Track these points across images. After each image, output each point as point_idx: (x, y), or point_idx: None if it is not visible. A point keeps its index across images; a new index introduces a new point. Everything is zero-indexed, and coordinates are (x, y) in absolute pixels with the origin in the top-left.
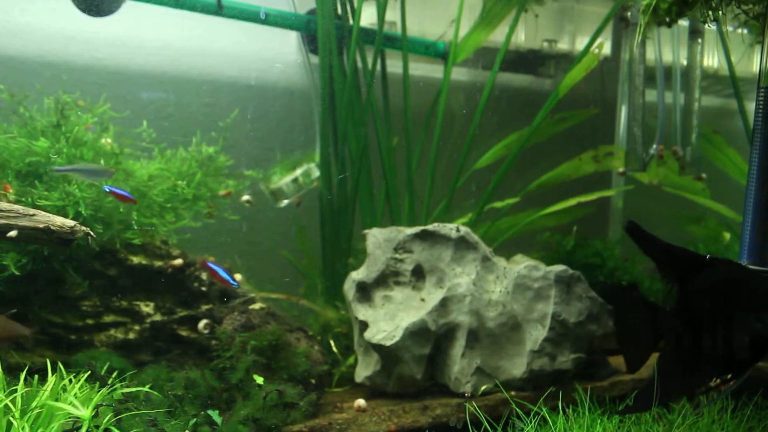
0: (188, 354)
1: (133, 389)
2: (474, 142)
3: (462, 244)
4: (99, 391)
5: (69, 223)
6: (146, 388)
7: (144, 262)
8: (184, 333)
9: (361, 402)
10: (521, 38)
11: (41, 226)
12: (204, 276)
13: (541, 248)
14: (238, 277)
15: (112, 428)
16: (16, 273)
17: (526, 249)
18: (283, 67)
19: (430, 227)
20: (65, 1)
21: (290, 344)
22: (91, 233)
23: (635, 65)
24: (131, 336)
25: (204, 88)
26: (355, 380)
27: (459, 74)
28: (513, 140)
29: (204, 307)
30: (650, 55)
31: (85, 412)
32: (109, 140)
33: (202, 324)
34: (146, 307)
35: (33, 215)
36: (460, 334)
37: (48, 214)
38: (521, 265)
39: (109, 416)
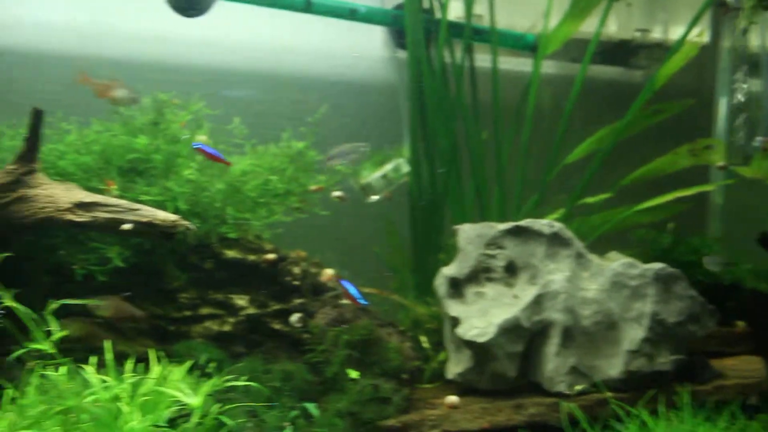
0: (281, 347)
1: (240, 382)
2: (564, 136)
3: (555, 241)
4: (197, 380)
5: (171, 217)
6: (244, 381)
7: (238, 256)
8: (277, 326)
9: (453, 398)
10: (612, 28)
11: (145, 220)
12: (296, 270)
13: (635, 245)
14: (329, 271)
15: (221, 417)
16: (120, 265)
17: (619, 246)
18: (357, 55)
19: (522, 223)
20: (160, 3)
21: (382, 339)
22: (191, 227)
23: (737, 53)
24: (226, 328)
25: (293, 85)
26: (445, 376)
27: (546, 67)
28: (605, 134)
29: (296, 301)
30: (753, 41)
31: (195, 400)
32: (204, 137)
33: (294, 318)
34: (241, 301)
35: (137, 210)
36: (554, 331)
37: (152, 209)
38: (617, 262)
39: (216, 406)
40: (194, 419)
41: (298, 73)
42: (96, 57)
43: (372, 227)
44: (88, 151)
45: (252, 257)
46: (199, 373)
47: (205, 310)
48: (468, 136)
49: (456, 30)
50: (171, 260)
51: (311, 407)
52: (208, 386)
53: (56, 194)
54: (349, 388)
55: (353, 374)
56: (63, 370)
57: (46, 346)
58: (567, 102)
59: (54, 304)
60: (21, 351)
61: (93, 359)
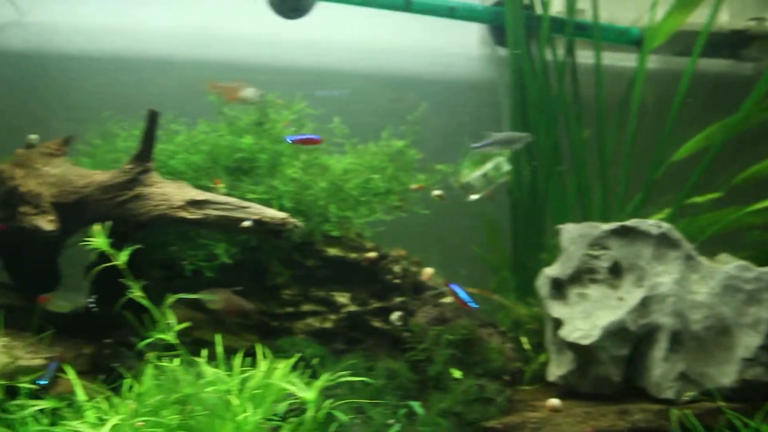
0: (381, 345)
1: (352, 378)
2: (671, 132)
3: (663, 242)
4: (300, 375)
5: (280, 215)
6: (353, 378)
7: (340, 254)
8: (377, 324)
9: (555, 401)
10: (723, 18)
11: (255, 217)
12: (397, 269)
13: (748, 247)
14: (429, 270)
15: (335, 412)
16: (228, 261)
17: (729, 248)
18: (458, 52)
19: (628, 223)
20: (260, 7)
21: (483, 339)
22: (299, 225)
23: None
24: (327, 325)
25: (390, 84)
26: (546, 378)
27: (649, 61)
28: (715, 130)
29: (397, 300)
30: None
31: (309, 395)
32: None
33: (395, 316)
34: (342, 298)
35: (247, 207)
36: (661, 336)
37: (261, 207)
38: (730, 265)
39: (328, 401)
40: (309, 413)
41: (394, 72)
42: (201, 61)
43: (471, 226)
44: (196, 151)
45: (353, 255)
46: (302, 368)
47: (307, 307)
48: (570, 134)
49: (557, 25)
50: (275, 257)
51: (416, 406)
52: (322, 381)
53: (170, 192)
54: (453, 387)
55: (456, 374)
56: (176, 361)
57: (169, 338)
58: (675, 97)
59: (171, 298)
60: (147, 341)
61: (204, 352)
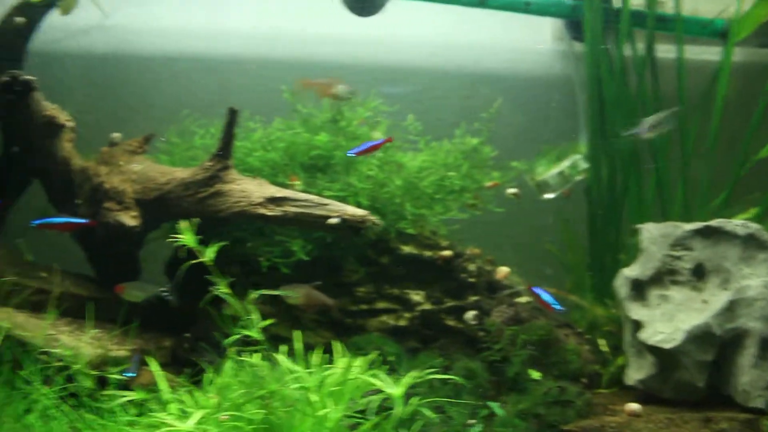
0: (455, 344)
1: (435, 377)
2: (758, 128)
3: (751, 243)
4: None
5: (360, 212)
6: (439, 376)
7: (414, 251)
8: (451, 323)
9: (634, 406)
10: None
11: (335, 215)
12: (472, 267)
13: None
14: (504, 269)
15: (422, 410)
16: (304, 258)
17: None
18: (541, 46)
19: (713, 223)
20: (333, 5)
21: (560, 340)
22: (378, 222)
23: None
24: (402, 323)
25: (461, 81)
26: (625, 382)
27: (734, 54)
28: None
29: (472, 298)
30: None
31: (396, 391)
32: (377, 134)
33: (470, 315)
34: (416, 296)
35: (326, 205)
36: (749, 341)
37: (341, 204)
38: None
39: (415, 399)
40: (397, 409)
41: (466, 68)
42: (275, 60)
43: (545, 225)
44: (273, 148)
45: (428, 253)
46: (378, 365)
47: (381, 305)
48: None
49: (637, 19)
50: (350, 254)
51: (495, 407)
52: (409, 377)
53: (249, 189)
54: (532, 389)
55: (535, 375)
56: (257, 356)
57: (254, 333)
58: (762, 91)
59: (253, 294)
60: (233, 337)
61: (283, 347)
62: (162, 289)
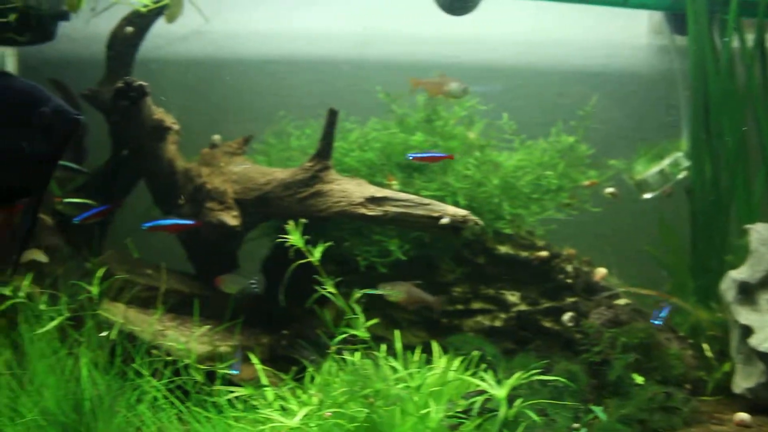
0: (552, 346)
1: (536, 378)
2: None
3: None
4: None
5: (461, 212)
6: (546, 378)
7: (510, 251)
8: (547, 324)
9: (744, 416)
10: None
11: (435, 215)
12: (569, 268)
13: None
14: (603, 270)
15: (527, 411)
16: (401, 258)
17: None
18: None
19: None
20: (426, 5)
21: (661, 344)
22: (480, 222)
23: None
24: (497, 324)
25: (554, 78)
26: (731, 390)
27: None
28: None
29: (569, 300)
30: None
31: (500, 392)
32: (472, 134)
33: (567, 316)
34: (512, 297)
35: (428, 205)
36: None
37: (442, 204)
38: None
39: (519, 400)
40: (502, 410)
41: (559, 65)
42: (368, 60)
43: (644, 225)
44: (369, 148)
45: (524, 254)
46: (473, 366)
47: (476, 305)
48: (759, 127)
49: (746, 8)
50: (446, 254)
51: (598, 411)
52: (514, 379)
53: (349, 189)
54: (635, 393)
55: (639, 379)
56: (357, 355)
57: (360, 333)
58: None
59: (358, 293)
60: (341, 336)
61: (383, 347)
62: (251, 281)
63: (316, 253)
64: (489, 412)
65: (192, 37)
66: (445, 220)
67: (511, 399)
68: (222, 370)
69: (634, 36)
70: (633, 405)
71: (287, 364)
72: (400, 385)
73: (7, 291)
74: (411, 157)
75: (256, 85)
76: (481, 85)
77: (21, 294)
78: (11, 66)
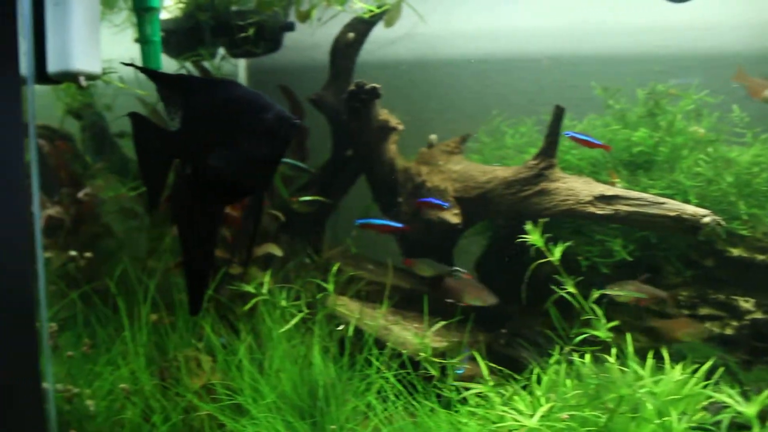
0: None
1: None
2: None
3: None
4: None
5: (701, 212)
6: None
7: (744, 254)
8: None
9: None
10: None
11: (672, 214)
12: None
13: None
14: None
15: None
16: (627, 258)
17: None
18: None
19: None
20: None
21: None
22: (722, 223)
23: None
24: (728, 331)
25: None
26: None
27: None
28: None
29: None
30: None
31: (750, 409)
32: (699, 129)
33: None
34: (746, 303)
35: (662, 204)
36: None
37: (679, 203)
38: None
39: None
40: (755, 430)
41: None
42: (577, 56)
43: None
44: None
45: (761, 257)
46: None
47: (704, 311)
48: None
49: None
50: (672, 256)
51: None
52: (765, 396)
53: (576, 187)
54: None
55: None
56: (588, 357)
57: (601, 334)
58: None
59: (596, 293)
60: (582, 336)
61: (614, 350)
62: (455, 268)
63: (557, 253)
64: (738, 429)
65: (401, 40)
66: (707, 220)
67: (762, 417)
68: (454, 364)
69: None
70: None
71: (505, 362)
72: (644, 390)
73: (250, 288)
74: (569, 135)
75: (463, 85)
76: (705, 76)
77: (264, 291)
78: (241, 75)
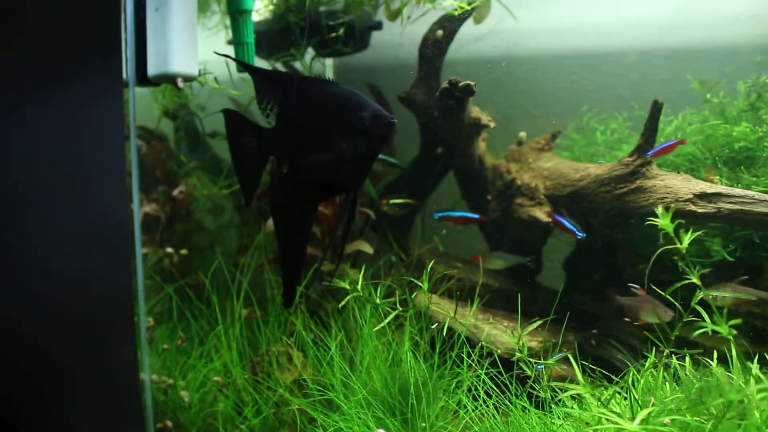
0: None
1: None
2: None
3: None
4: None
5: None
6: None
7: None
8: None
9: None
10: None
11: None
12: None
13: None
14: None
15: None
16: (727, 258)
17: None
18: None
19: None
20: None
21: None
22: None
23: None
24: None
25: None
26: None
27: None
28: None
29: None
30: None
31: None
32: None
33: None
34: None
35: None
36: None
37: None
38: None
39: None
40: None
41: None
42: (671, 48)
43: None
44: (689, 142)
45: None
46: None
47: None
48: None
49: None
50: None
51: None
52: None
53: (674, 185)
54: None
55: None
56: (688, 360)
57: (724, 330)
58: None
59: (699, 294)
60: (698, 332)
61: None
62: (527, 259)
63: (684, 242)
64: None
65: (486, 37)
66: None
67: None
68: (550, 364)
69: None
70: None
71: (596, 364)
72: (760, 396)
73: (345, 284)
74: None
75: (548, 81)
76: None
77: (358, 288)
78: (329, 73)
